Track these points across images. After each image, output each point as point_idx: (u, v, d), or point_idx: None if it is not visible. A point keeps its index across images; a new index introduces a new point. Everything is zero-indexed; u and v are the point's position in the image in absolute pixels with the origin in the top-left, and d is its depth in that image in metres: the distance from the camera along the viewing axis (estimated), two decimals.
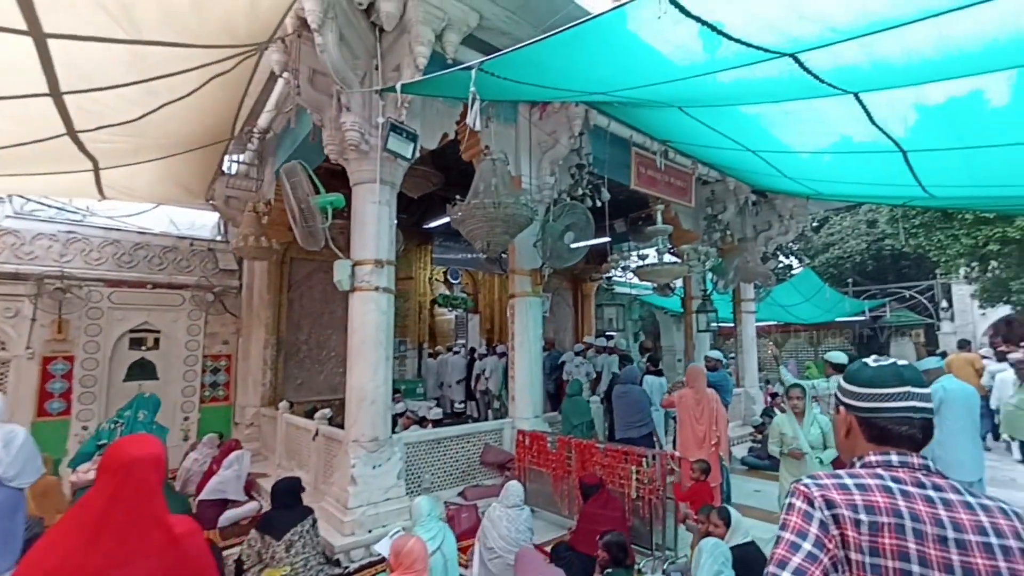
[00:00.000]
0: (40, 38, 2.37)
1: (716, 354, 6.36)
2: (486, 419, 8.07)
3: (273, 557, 3.04)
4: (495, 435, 5.46)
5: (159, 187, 5.98)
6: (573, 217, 5.34)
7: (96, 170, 4.65)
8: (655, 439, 5.57)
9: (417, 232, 9.78)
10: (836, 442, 1.14)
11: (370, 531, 3.93)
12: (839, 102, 3.03)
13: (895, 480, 0.92)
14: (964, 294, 15.32)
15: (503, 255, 6.42)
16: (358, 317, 4.27)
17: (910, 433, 0.97)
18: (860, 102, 3.00)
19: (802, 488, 0.94)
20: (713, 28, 2.17)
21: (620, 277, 14.06)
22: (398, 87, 3.21)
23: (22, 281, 6.39)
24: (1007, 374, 6.38)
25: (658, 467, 3.82)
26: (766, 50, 2.37)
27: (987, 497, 0.91)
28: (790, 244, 17.38)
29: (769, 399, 8.90)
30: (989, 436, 7.42)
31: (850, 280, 16.74)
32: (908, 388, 0.98)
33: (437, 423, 6.69)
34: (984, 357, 8.29)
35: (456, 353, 9.95)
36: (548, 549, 3.71)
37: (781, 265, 17.53)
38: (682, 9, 2.02)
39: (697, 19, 2.11)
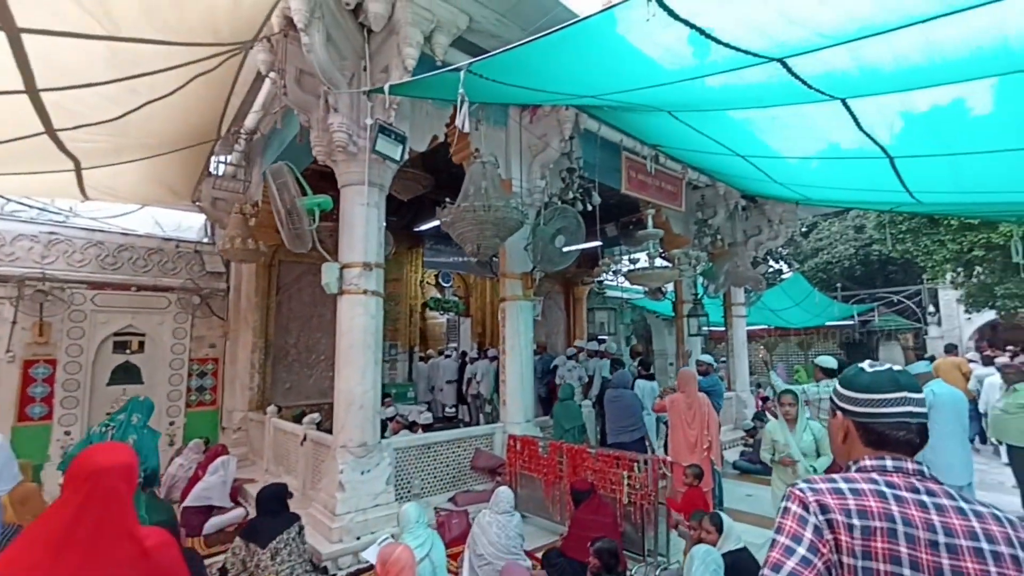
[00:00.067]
0: (14, 33, 2.30)
1: (707, 358, 6.36)
2: (477, 423, 8.03)
3: (258, 566, 2.97)
4: (486, 440, 5.41)
5: (144, 188, 5.88)
6: (564, 221, 5.33)
7: (78, 170, 4.55)
8: (647, 443, 5.56)
9: (408, 235, 9.72)
10: (832, 446, 1.15)
11: (358, 538, 3.86)
12: (827, 108, 3.05)
13: (889, 485, 0.94)
14: (950, 299, 15.54)
15: (494, 258, 6.40)
16: (346, 321, 4.22)
17: (907, 438, 0.99)
18: (848, 108, 3.02)
19: (797, 492, 0.95)
20: (702, 32, 2.17)
21: (612, 281, 14.10)
22: (386, 88, 3.18)
23: (2, 283, 6.25)
24: (995, 378, 6.44)
25: (650, 472, 3.79)
26: (755, 55, 2.37)
27: (981, 503, 0.92)
28: (780, 249, 17.52)
29: (760, 403, 8.93)
30: (977, 439, 7.51)
31: (839, 285, 16.93)
32: (905, 394, 1.00)
33: (427, 428, 6.63)
34: (971, 361, 8.40)
35: (447, 357, 9.89)
36: (539, 555, 3.68)
37: (771, 270, 17.68)
38: (671, 12, 2.01)
39: (686, 22, 2.10)
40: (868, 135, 3.34)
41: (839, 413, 1.08)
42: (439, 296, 11.56)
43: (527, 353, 5.60)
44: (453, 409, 9.45)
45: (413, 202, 7.88)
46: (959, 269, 12.11)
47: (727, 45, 2.28)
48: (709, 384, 5.54)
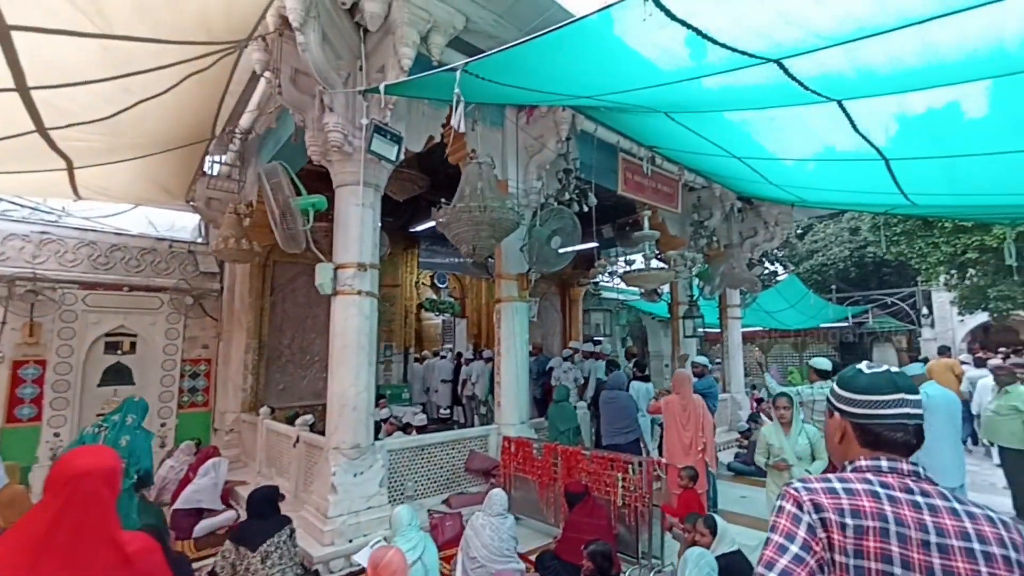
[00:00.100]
0: (3, 30, 2.27)
1: (703, 360, 6.35)
2: (472, 425, 7.99)
3: (248, 569, 2.94)
4: (480, 441, 5.38)
5: (137, 187, 5.83)
6: (560, 222, 5.32)
7: (70, 169, 4.51)
8: (642, 445, 5.55)
9: (403, 236, 9.69)
10: (828, 446, 1.16)
11: (350, 541, 3.83)
12: (823, 110, 3.05)
13: (883, 485, 0.94)
14: (944, 301, 15.64)
15: (490, 259, 6.38)
16: (340, 321, 4.19)
17: (904, 439, 1.00)
18: (844, 110, 3.02)
19: (792, 491, 0.97)
20: (699, 32, 2.16)
21: (608, 282, 14.11)
22: (382, 88, 3.16)
23: None
24: (987, 380, 6.47)
25: (644, 474, 3.78)
26: (752, 56, 2.37)
27: (974, 504, 0.93)
28: (775, 251, 17.63)
29: (755, 404, 8.94)
30: (969, 440, 7.54)
31: (833, 286, 17.01)
32: (902, 395, 1.00)
33: (422, 429, 6.60)
34: (963, 363, 8.45)
35: (443, 358, 9.87)
36: (533, 558, 3.65)
37: (767, 271, 17.76)
38: (668, 13, 2.00)
39: (683, 23, 2.09)
40: (864, 137, 3.35)
41: (836, 414, 1.09)
42: (435, 297, 11.53)
43: (523, 354, 5.58)
44: (448, 410, 9.43)
45: (409, 203, 7.86)
46: (953, 271, 12.18)
47: (724, 46, 2.27)
48: (704, 386, 5.53)
